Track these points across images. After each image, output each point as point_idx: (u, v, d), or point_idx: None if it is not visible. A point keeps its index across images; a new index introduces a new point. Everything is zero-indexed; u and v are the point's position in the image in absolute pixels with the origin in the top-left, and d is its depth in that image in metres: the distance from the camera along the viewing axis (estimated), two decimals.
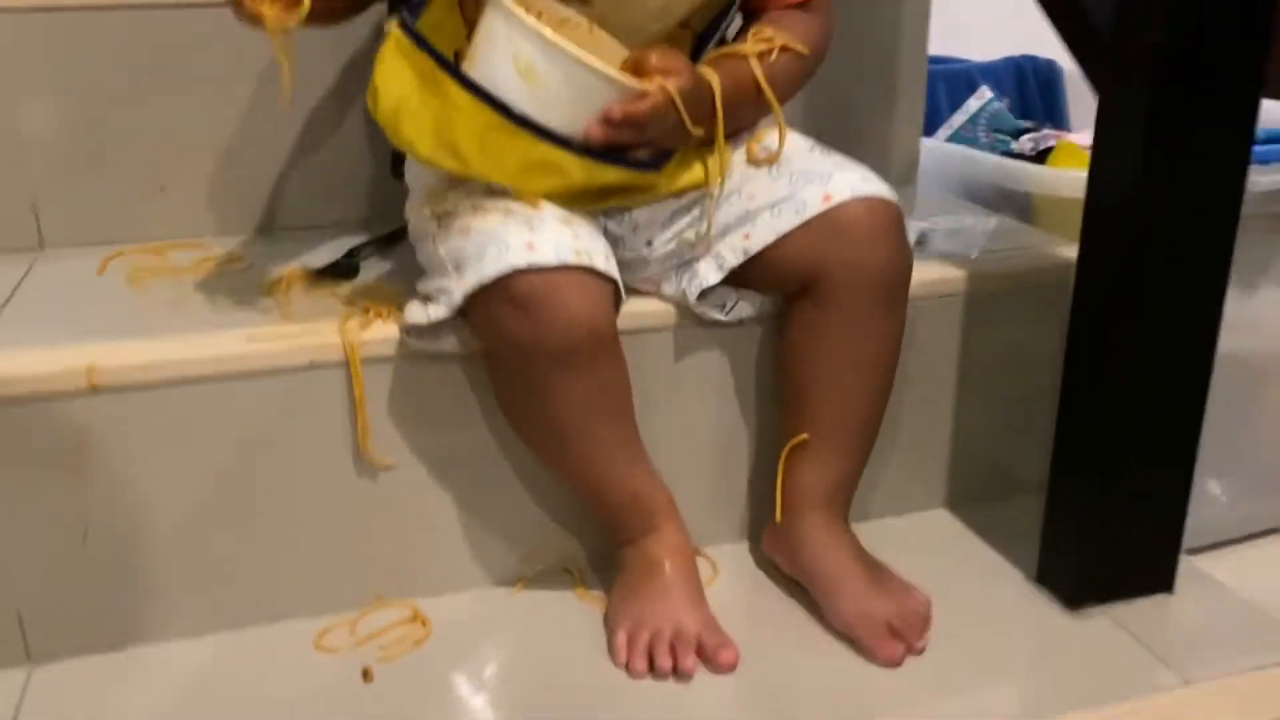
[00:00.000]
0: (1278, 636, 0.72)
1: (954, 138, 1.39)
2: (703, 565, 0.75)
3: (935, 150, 1.08)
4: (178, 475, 0.67)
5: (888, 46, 1.03)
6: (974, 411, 0.84)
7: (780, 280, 0.71)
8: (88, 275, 0.81)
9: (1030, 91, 1.68)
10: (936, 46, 1.68)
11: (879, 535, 0.77)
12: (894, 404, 0.75)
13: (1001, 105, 1.39)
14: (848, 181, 0.69)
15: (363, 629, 0.71)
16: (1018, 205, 1.00)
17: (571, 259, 0.63)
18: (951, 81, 1.62)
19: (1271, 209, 0.98)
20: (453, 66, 0.63)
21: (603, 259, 0.65)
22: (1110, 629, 0.72)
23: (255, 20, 0.60)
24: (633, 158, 0.67)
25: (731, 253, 0.71)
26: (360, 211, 0.93)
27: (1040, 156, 1.07)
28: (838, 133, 0.81)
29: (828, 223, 0.68)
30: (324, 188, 0.92)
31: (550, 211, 0.66)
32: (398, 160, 0.81)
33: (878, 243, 0.69)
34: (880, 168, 1.04)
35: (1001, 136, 1.31)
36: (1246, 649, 0.70)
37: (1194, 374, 0.70)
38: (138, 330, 0.68)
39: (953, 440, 0.85)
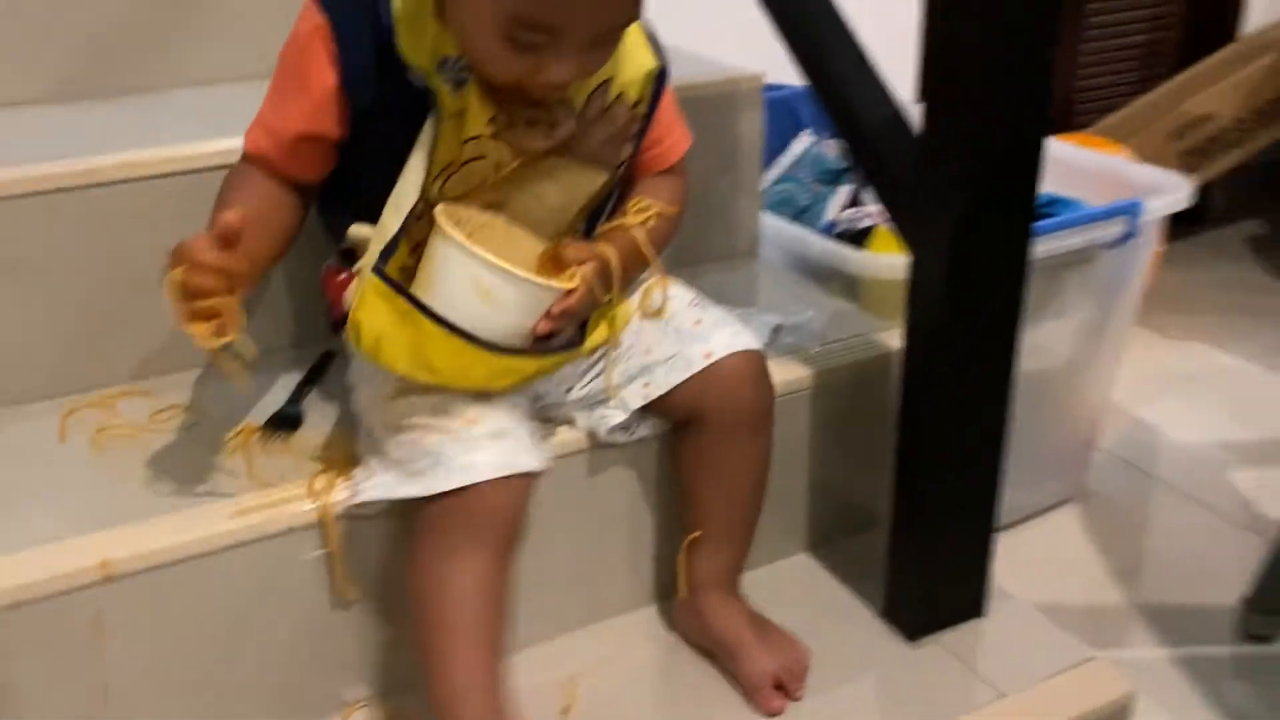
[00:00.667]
0: (1063, 643, 0.94)
1: (783, 179, 1.57)
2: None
3: (773, 227, 1.25)
4: (185, 636, 0.79)
5: (730, 140, 1.19)
6: (824, 468, 1.02)
7: (672, 414, 0.88)
8: (52, 442, 0.89)
9: None
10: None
11: (755, 585, 0.95)
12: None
13: (822, 148, 1.58)
14: (722, 340, 0.86)
15: None
16: (844, 280, 1.19)
17: (504, 472, 0.76)
18: (774, 109, 1.79)
19: (1047, 263, 1.21)
20: (427, 308, 0.75)
21: (526, 454, 0.78)
22: (942, 655, 0.93)
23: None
24: (566, 339, 0.82)
25: (634, 398, 0.86)
26: (284, 335, 1.04)
27: (860, 235, 1.26)
28: (692, 211, 0.95)
29: (709, 374, 0.85)
30: (258, 317, 1.01)
31: (484, 427, 0.78)
32: (334, 325, 0.91)
33: (747, 386, 0.86)
34: (727, 243, 1.22)
35: (823, 189, 1.50)
36: (1043, 658, 0.92)
37: (992, 443, 0.90)
38: (132, 512, 0.79)
39: (809, 494, 1.04)
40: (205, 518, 0.79)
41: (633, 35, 0.82)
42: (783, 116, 1.79)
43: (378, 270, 0.75)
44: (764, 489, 0.91)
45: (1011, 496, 1.39)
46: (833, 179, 1.52)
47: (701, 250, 1.18)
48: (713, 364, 0.85)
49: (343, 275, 0.86)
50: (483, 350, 0.76)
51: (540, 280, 0.77)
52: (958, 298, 0.83)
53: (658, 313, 0.87)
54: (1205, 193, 2.25)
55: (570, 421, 0.90)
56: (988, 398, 0.88)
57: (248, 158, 0.82)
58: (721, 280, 1.16)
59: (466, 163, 0.78)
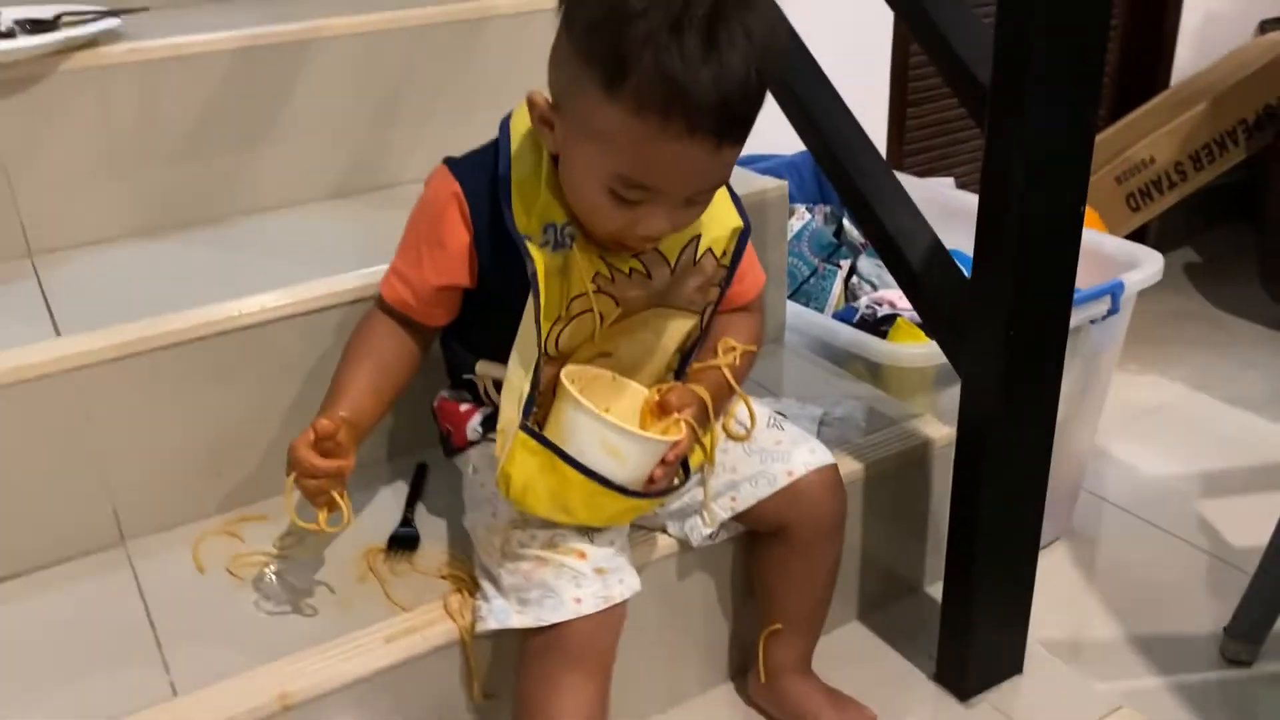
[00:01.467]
0: (1093, 694, 1.08)
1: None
2: None
3: (799, 315, 1.37)
4: None
5: (761, 241, 1.30)
6: (873, 545, 1.15)
7: (755, 524, 0.99)
8: (192, 573, 0.98)
9: (826, 180, 2.00)
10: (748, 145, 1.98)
11: (817, 653, 1.07)
12: None
13: (817, 223, 1.71)
14: (801, 457, 0.97)
15: None
16: (866, 364, 1.31)
17: (604, 606, 0.86)
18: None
19: None
20: (576, 462, 0.84)
21: (620, 587, 0.88)
22: (992, 712, 1.06)
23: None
24: (675, 479, 0.92)
25: (723, 511, 0.97)
26: (379, 448, 1.13)
27: (880, 323, 1.38)
28: None
29: (791, 491, 0.96)
30: None
31: (590, 562, 0.88)
32: (450, 451, 1.01)
33: (825, 500, 0.98)
34: None
35: (826, 265, 1.63)
36: (1080, 709, 1.06)
37: (1033, 520, 1.04)
38: (292, 642, 0.88)
39: (860, 568, 1.16)
40: (362, 646, 0.88)
41: (720, 194, 0.93)
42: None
43: (526, 429, 0.85)
44: (834, 582, 1.03)
45: None
46: (831, 252, 1.66)
47: None
48: (794, 481, 0.96)
49: (464, 407, 0.98)
50: (616, 494, 0.86)
51: (656, 436, 0.87)
52: (1006, 411, 0.95)
53: (744, 436, 0.98)
54: (1143, 225, 2.44)
55: (663, 529, 1.01)
56: (1030, 485, 1.02)
57: (385, 307, 0.93)
58: (759, 367, 1.28)
59: (576, 316, 0.88)
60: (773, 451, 0.97)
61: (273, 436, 1.06)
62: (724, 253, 0.94)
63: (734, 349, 0.97)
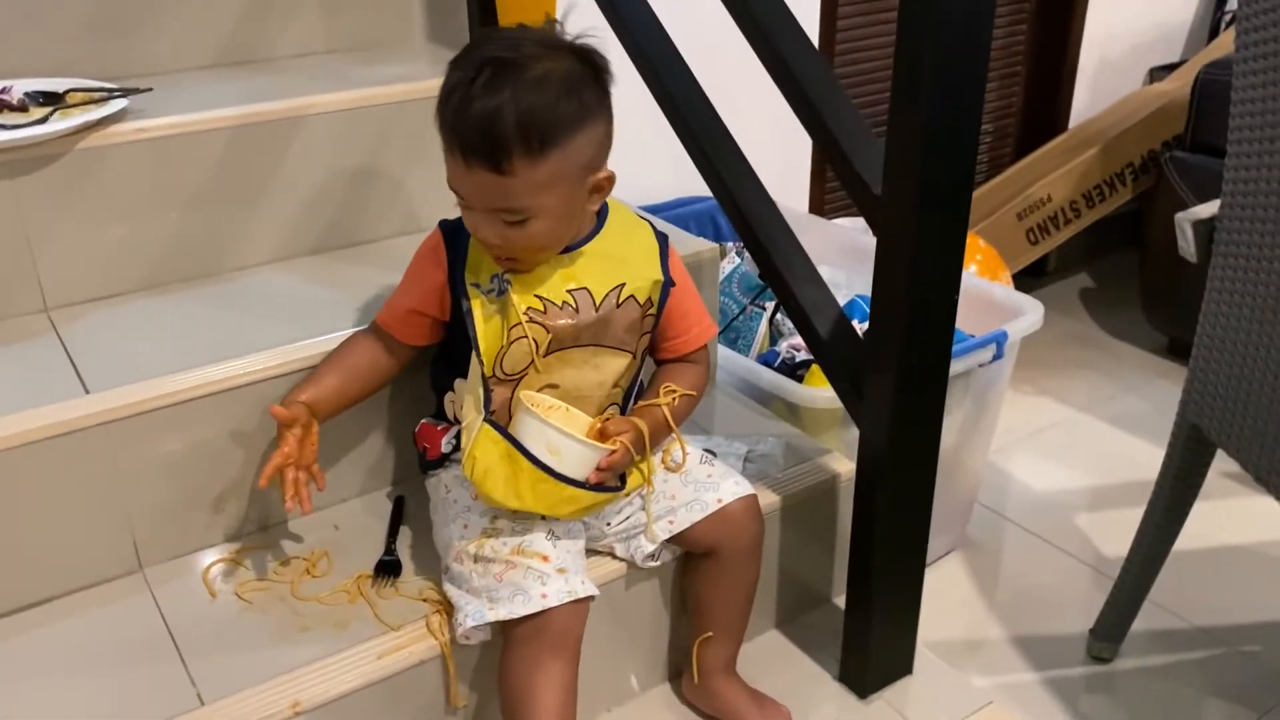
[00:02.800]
0: (970, 691, 1.29)
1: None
2: None
3: (727, 358, 1.56)
4: None
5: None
6: (788, 564, 1.33)
7: (690, 545, 1.17)
8: (206, 599, 1.13)
9: (724, 227, 2.19)
10: (684, 190, 2.16)
11: (740, 658, 1.26)
12: None
13: (747, 265, 1.90)
14: (729, 488, 1.15)
15: None
16: (785, 404, 1.51)
17: (565, 599, 1.05)
18: (699, 220, 2.12)
19: None
20: (526, 450, 1.04)
21: (581, 585, 1.07)
22: (885, 709, 1.25)
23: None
24: (611, 484, 1.11)
25: (662, 532, 1.15)
26: (367, 483, 1.29)
27: (798, 367, 1.58)
28: None
29: (719, 516, 1.15)
30: (334, 473, 1.26)
31: (553, 564, 1.06)
32: (425, 465, 1.19)
33: (747, 524, 1.17)
34: None
35: (753, 307, 1.82)
36: (958, 704, 1.26)
37: (919, 542, 1.23)
38: (299, 656, 1.04)
39: (777, 584, 1.35)
40: (359, 660, 1.05)
41: (648, 252, 1.14)
42: (705, 224, 2.11)
43: (490, 421, 1.05)
44: (753, 595, 1.22)
45: None
46: (758, 293, 1.84)
47: None
48: (722, 507, 1.15)
49: (441, 426, 1.18)
50: (557, 482, 1.05)
51: (590, 442, 1.07)
52: (894, 451, 1.15)
53: (677, 469, 1.17)
54: (1047, 252, 2.68)
55: (611, 552, 1.19)
56: (916, 512, 1.21)
57: (373, 324, 1.18)
58: None
59: (514, 342, 1.07)
60: (705, 483, 1.16)
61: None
62: (647, 300, 1.13)
63: (674, 392, 1.16)
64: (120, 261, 1.32)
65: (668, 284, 1.15)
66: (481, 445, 1.05)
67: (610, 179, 1.07)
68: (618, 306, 1.11)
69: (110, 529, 1.14)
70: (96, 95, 1.34)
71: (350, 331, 1.21)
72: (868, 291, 1.19)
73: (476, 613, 1.05)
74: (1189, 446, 1.46)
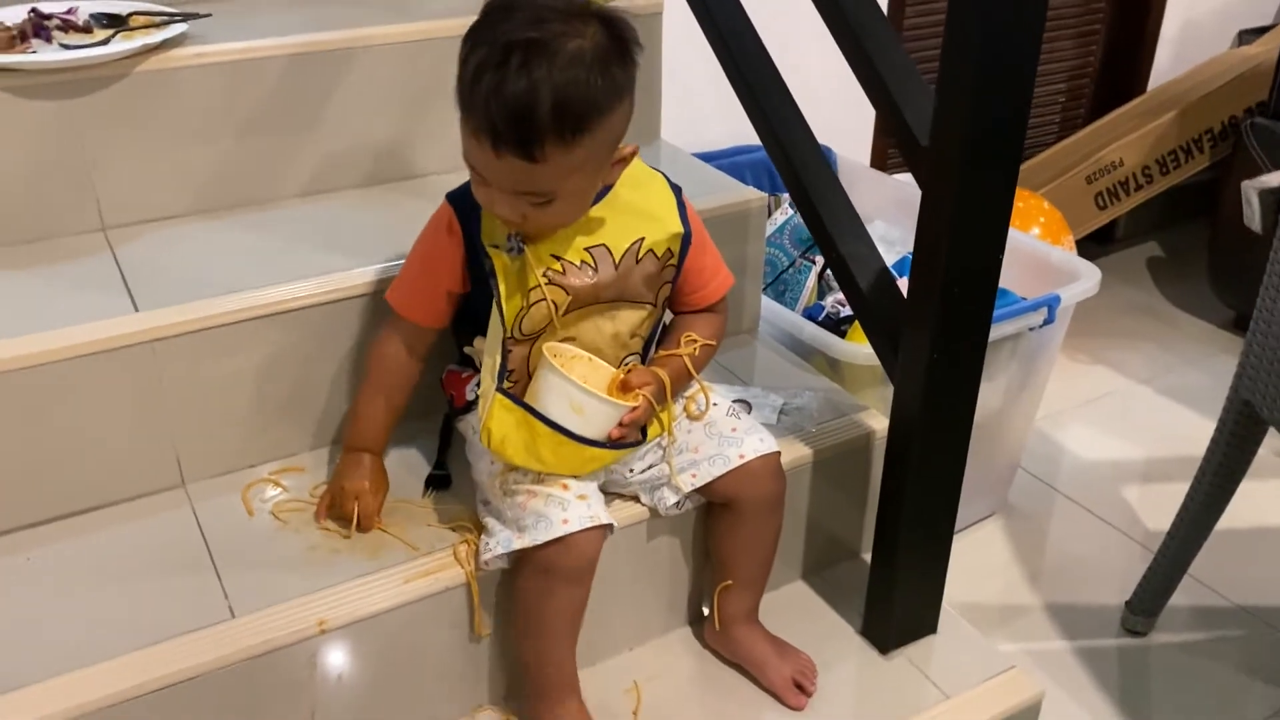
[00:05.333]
0: (993, 654, 1.28)
1: (767, 244, 1.87)
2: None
3: (771, 310, 1.55)
4: (367, 667, 1.08)
5: (742, 245, 1.48)
6: (817, 517, 1.34)
7: (712, 497, 1.18)
8: (243, 516, 1.17)
9: None
10: (741, 138, 2.14)
11: (766, 607, 1.27)
12: None
13: (798, 219, 1.88)
14: (752, 445, 1.15)
15: None
16: (826, 359, 1.50)
17: (588, 524, 1.06)
18: (755, 170, 2.09)
19: None
20: (542, 415, 1.04)
21: (604, 513, 1.08)
22: (905, 665, 1.26)
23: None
24: (633, 438, 1.11)
25: (685, 485, 1.16)
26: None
27: (842, 322, 1.56)
28: None
29: (742, 471, 1.15)
30: None
31: (573, 491, 1.08)
32: (453, 412, 1.21)
33: (767, 480, 1.17)
34: (735, 323, 1.52)
35: (806, 261, 1.80)
36: (979, 666, 1.25)
37: (949, 502, 1.22)
38: (329, 576, 1.07)
39: (805, 536, 1.35)
40: (385, 584, 1.08)
41: (666, 205, 1.13)
42: (761, 174, 2.09)
43: (503, 391, 1.05)
44: (776, 548, 1.22)
45: None
46: (809, 247, 1.83)
47: None
48: (745, 463, 1.15)
49: (465, 374, 1.18)
50: (579, 444, 1.06)
51: (614, 400, 1.07)
52: (928, 410, 1.14)
53: (699, 416, 1.17)
54: (1115, 218, 2.61)
55: (636, 498, 1.20)
56: (947, 473, 1.20)
57: (393, 316, 1.13)
58: (733, 356, 1.47)
59: (534, 304, 1.07)
60: (729, 437, 1.16)
61: (309, 401, 1.24)
62: (666, 251, 1.12)
63: (695, 341, 1.16)
64: (175, 184, 1.35)
65: (688, 236, 1.14)
66: (496, 416, 1.06)
67: (634, 152, 1.06)
68: (637, 261, 1.10)
69: (155, 444, 1.18)
70: (158, 19, 1.35)
71: (384, 326, 1.21)
72: None
73: (506, 540, 1.07)
74: (1240, 422, 1.43)
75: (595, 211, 1.08)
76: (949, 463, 1.19)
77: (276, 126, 1.38)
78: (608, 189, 1.09)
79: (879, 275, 1.20)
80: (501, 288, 1.06)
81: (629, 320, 1.13)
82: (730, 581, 1.20)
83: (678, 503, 1.18)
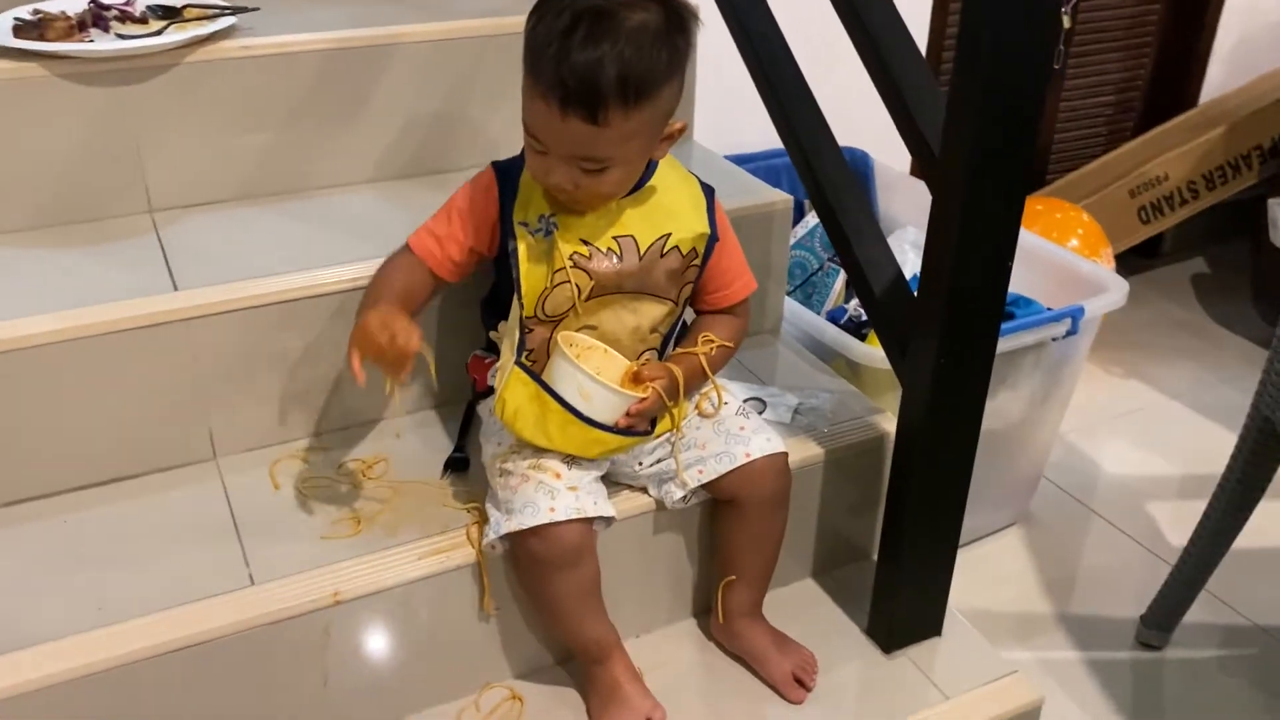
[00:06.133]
0: (994, 658, 1.29)
1: (797, 246, 1.89)
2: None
3: (793, 311, 1.58)
4: (378, 639, 1.12)
5: (766, 245, 1.50)
6: (828, 516, 1.36)
7: (718, 494, 1.20)
8: (269, 490, 1.22)
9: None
10: (776, 139, 2.16)
11: (774, 602, 1.29)
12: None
13: None
14: (759, 444, 1.18)
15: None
16: (849, 362, 1.52)
17: (573, 515, 1.09)
18: (791, 172, 2.11)
19: (1006, 353, 1.54)
20: (553, 391, 1.08)
21: (591, 506, 1.11)
22: (908, 665, 1.28)
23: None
24: (641, 428, 1.15)
25: (691, 480, 1.18)
26: (423, 397, 1.36)
27: (863, 326, 1.58)
28: None
29: (748, 469, 1.17)
30: (406, 386, 1.33)
31: (564, 481, 1.11)
32: (476, 396, 1.25)
33: (773, 479, 1.19)
34: (758, 322, 1.54)
35: (834, 265, 1.82)
36: (980, 670, 1.27)
37: (955, 507, 1.24)
38: (347, 550, 1.12)
39: (816, 535, 1.37)
40: (400, 560, 1.12)
41: (697, 206, 1.16)
42: (795, 178, 2.11)
43: (520, 364, 1.09)
44: (780, 546, 1.24)
45: (967, 522, 1.75)
46: None
47: None
48: (750, 461, 1.17)
49: (488, 360, 1.22)
50: (585, 425, 1.10)
51: (621, 389, 1.10)
52: (933, 416, 1.16)
53: (711, 415, 1.20)
54: (1160, 232, 2.59)
55: (644, 490, 1.23)
56: (953, 479, 1.22)
57: (411, 251, 1.16)
58: (754, 356, 1.50)
59: (557, 285, 1.11)
60: (736, 435, 1.19)
61: (337, 383, 1.29)
62: (691, 250, 1.15)
63: (712, 341, 1.19)
64: (220, 170, 1.40)
65: (713, 238, 1.17)
66: (511, 388, 1.09)
67: (682, 128, 1.10)
68: (661, 256, 1.14)
69: (190, 418, 1.24)
70: (210, 11, 1.41)
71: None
72: None
73: (496, 524, 1.11)
74: (1260, 439, 1.43)
75: (628, 205, 1.12)
76: (955, 468, 1.20)
77: (316, 118, 1.43)
78: (643, 182, 1.13)
79: (892, 280, 1.22)
80: (523, 268, 1.10)
81: (650, 314, 1.16)
82: (734, 577, 1.23)
83: (684, 497, 1.21)
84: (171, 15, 1.41)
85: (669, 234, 1.13)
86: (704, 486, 1.19)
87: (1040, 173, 2.67)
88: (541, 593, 1.12)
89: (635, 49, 0.99)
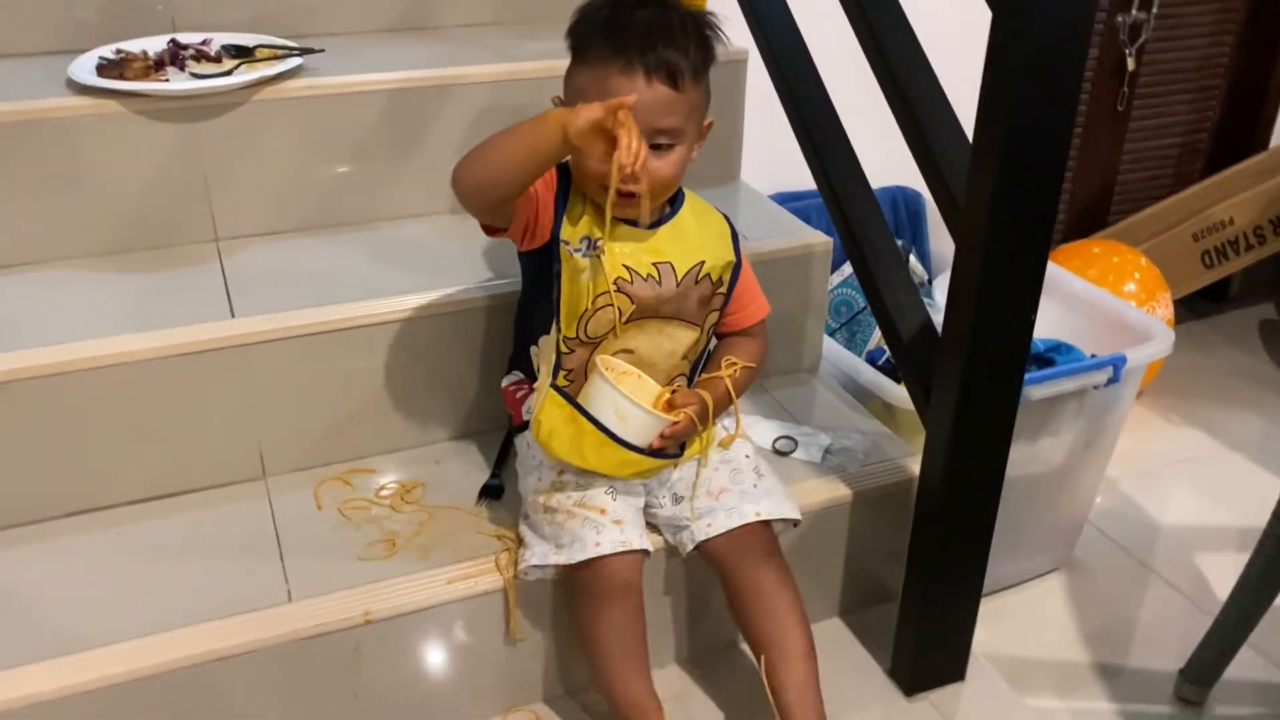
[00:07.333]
0: (1019, 706, 1.30)
1: (843, 284, 1.91)
2: None
3: (832, 350, 1.60)
4: (406, 659, 1.17)
5: (805, 285, 1.53)
6: (856, 557, 1.38)
7: (706, 555, 1.21)
8: (313, 510, 1.28)
9: (901, 215, 2.20)
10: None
11: None
12: (810, 554, 1.30)
13: None
14: (768, 506, 1.20)
15: None
16: (883, 403, 1.53)
17: (620, 549, 1.13)
18: None
19: (1046, 399, 1.54)
20: (588, 413, 1.12)
21: (637, 539, 1.15)
22: (928, 709, 1.28)
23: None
24: (672, 451, 1.18)
25: (701, 533, 1.20)
26: (468, 427, 1.41)
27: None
28: (775, 337, 1.34)
29: (753, 527, 1.19)
30: (442, 413, 1.39)
31: (609, 516, 1.15)
32: (512, 430, 1.29)
33: (769, 537, 1.20)
34: (797, 361, 1.57)
35: None
36: (1001, 716, 1.27)
37: (978, 554, 1.25)
38: (379, 572, 1.17)
39: (844, 575, 1.39)
40: (430, 583, 1.17)
41: (723, 235, 1.21)
42: None
43: (556, 387, 1.13)
44: (800, 613, 1.18)
45: (1008, 567, 1.75)
46: None
47: (780, 364, 1.54)
48: (757, 520, 1.19)
49: (519, 394, 1.27)
50: (619, 447, 1.13)
51: (656, 413, 1.14)
52: (955, 463, 1.17)
53: (728, 441, 1.23)
54: (1227, 275, 2.55)
55: (659, 530, 1.25)
56: (974, 526, 1.23)
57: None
58: (790, 394, 1.52)
59: (600, 309, 1.14)
60: (748, 492, 1.21)
61: (383, 409, 1.35)
62: (719, 280, 1.19)
63: (735, 364, 1.22)
64: (282, 203, 1.48)
65: (738, 265, 1.22)
66: (547, 410, 1.14)
67: (711, 124, 1.16)
68: (696, 283, 1.18)
69: (242, 438, 1.30)
70: (279, 52, 1.49)
71: (473, 285, 1.32)
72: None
73: (542, 554, 1.15)
74: None
75: (665, 233, 1.17)
76: (977, 514, 1.21)
77: (375, 155, 1.50)
78: (674, 212, 1.18)
79: (918, 326, 1.24)
80: (565, 290, 1.13)
81: (683, 340, 1.20)
82: (762, 655, 1.17)
83: (695, 547, 1.22)
84: (244, 55, 1.49)
85: (702, 261, 1.18)
86: (708, 542, 1.20)
87: (1103, 214, 2.64)
88: (590, 629, 1.15)
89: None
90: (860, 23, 1.19)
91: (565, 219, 1.14)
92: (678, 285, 1.16)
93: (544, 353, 1.18)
